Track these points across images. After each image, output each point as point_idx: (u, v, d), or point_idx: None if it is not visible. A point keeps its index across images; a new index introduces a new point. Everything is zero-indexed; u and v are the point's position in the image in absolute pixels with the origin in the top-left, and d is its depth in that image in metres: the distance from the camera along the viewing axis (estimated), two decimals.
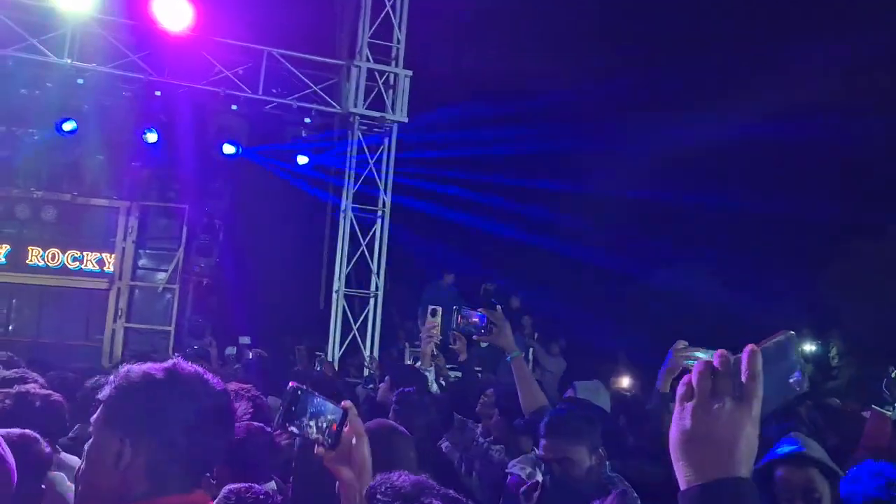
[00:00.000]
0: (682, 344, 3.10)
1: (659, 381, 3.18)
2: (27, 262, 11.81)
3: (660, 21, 11.50)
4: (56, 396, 2.58)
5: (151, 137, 8.84)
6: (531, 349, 9.87)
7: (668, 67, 11.12)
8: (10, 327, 11.90)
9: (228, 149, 9.24)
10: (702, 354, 3.07)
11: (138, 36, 8.95)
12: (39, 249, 11.86)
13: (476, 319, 3.52)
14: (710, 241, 12.13)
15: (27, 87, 8.62)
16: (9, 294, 11.96)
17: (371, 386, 5.85)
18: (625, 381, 10.00)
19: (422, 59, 10.21)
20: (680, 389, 1.04)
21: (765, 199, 11.31)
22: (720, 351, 1.02)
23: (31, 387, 2.62)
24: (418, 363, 5.75)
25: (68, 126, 8.67)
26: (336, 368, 8.88)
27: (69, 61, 8.52)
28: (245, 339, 11.05)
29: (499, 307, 3.61)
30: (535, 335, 10.81)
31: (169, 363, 1.61)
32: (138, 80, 8.88)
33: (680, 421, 1.02)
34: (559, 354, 10.65)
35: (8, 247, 11.80)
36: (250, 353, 8.40)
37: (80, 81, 8.60)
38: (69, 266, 11.96)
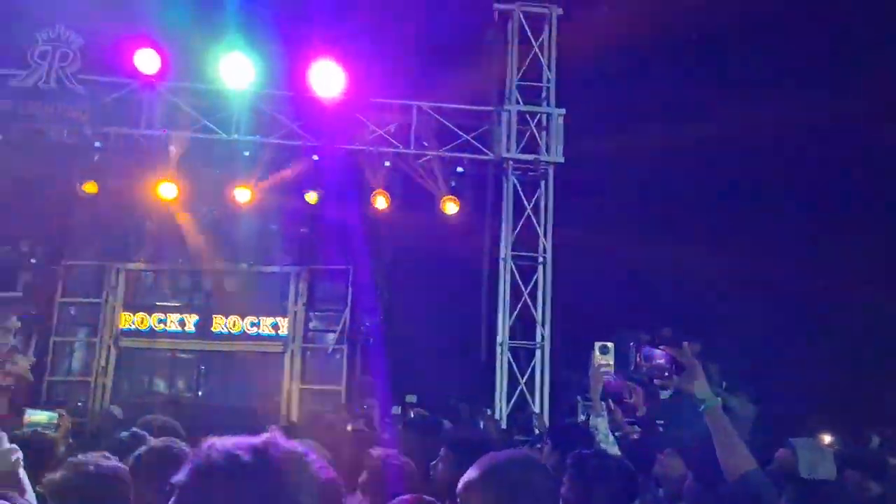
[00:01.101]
0: None
1: None
2: (212, 329, 12.57)
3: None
4: (114, 472, 2.35)
5: (311, 199, 9.09)
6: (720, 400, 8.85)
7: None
8: (200, 392, 12.63)
9: (381, 203, 9.28)
10: None
11: (296, 106, 9.34)
12: (222, 317, 12.59)
13: (661, 360, 2.91)
14: None
15: (203, 166, 9.20)
16: (198, 361, 12.77)
17: (539, 446, 5.32)
18: (826, 437, 8.66)
19: (574, 97, 9.80)
20: None
21: None
22: None
23: (94, 457, 2.44)
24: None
25: (241, 197, 9.13)
26: (504, 426, 8.41)
27: (236, 136, 9.03)
28: (411, 398, 10.91)
29: (686, 344, 2.97)
30: (724, 384, 9.75)
31: (261, 440, 1.26)
32: (297, 147, 9.22)
33: None
34: (748, 402, 9.52)
35: (196, 316, 12.64)
36: (411, 413, 8.17)
37: (246, 154, 9.07)
38: (248, 332, 12.58)
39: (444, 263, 10.29)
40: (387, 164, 9.22)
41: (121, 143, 9.00)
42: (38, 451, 3.76)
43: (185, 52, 9.06)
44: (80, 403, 12.22)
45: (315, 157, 9.14)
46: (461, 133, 9.64)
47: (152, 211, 11.15)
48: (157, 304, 12.71)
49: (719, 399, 3.00)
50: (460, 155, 9.61)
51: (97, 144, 8.78)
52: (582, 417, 8.70)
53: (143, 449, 3.04)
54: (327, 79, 9.07)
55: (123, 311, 12.59)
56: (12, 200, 10.48)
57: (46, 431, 3.86)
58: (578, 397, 9.96)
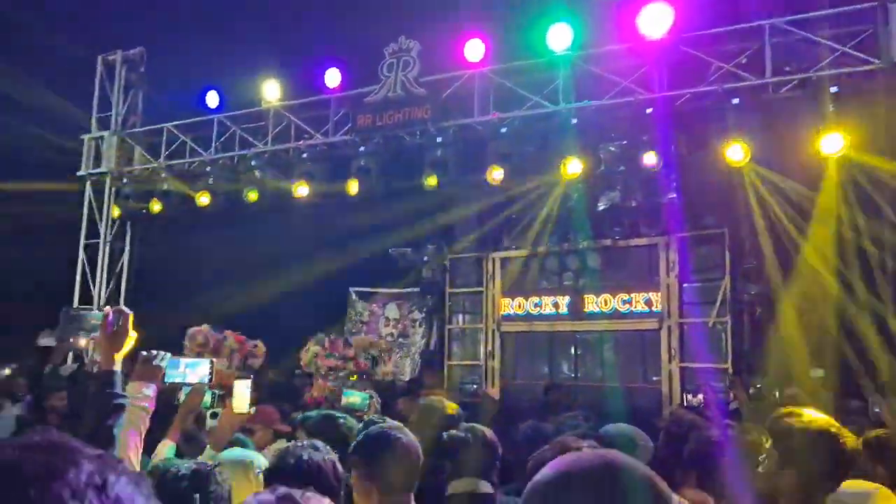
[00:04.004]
0: None
1: None
2: (584, 310, 12.36)
3: None
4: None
5: (649, 160, 8.10)
6: None
7: None
8: (577, 374, 12.50)
9: (736, 154, 7.77)
10: None
11: (626, 59, 8.51)
12: (593, 296, 12.30)
13: None
14: None
15: (532, 144, 8.95)
16: (572, 342, 12.67)
17: None
18: None
19: None
20: None
21: None
22: None
23: None
24: None
25: (571, 172, 8.59)
26: None
27: (564, 106, 8.58)
28: (817, 373, 9.23)
29: None
30: None
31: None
32: (629, 103, 8.35)
33: None
34: None
35: (567, 297, 12.57)
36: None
37: (574, 121, 8.54)
38: (620, 309, 12.05)
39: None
40: (735, 101, 7.74)
41: (459, 133, 9.26)
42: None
43: (507, 33, 8.96)
44: (474, 385, 13.13)
45: (649, 111, 8.15)
46: (834, 45, 7.66)
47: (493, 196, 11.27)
48: (532, 288, 12.95)
49: None
50: (835, 71, 7.63)
51: (439, 140, 9.16)
52: None
53: None
54: (654, 21, 8.05)
55: (503, 297, 13.15)
56: (403, 207, 11.68)
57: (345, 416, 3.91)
58: None
